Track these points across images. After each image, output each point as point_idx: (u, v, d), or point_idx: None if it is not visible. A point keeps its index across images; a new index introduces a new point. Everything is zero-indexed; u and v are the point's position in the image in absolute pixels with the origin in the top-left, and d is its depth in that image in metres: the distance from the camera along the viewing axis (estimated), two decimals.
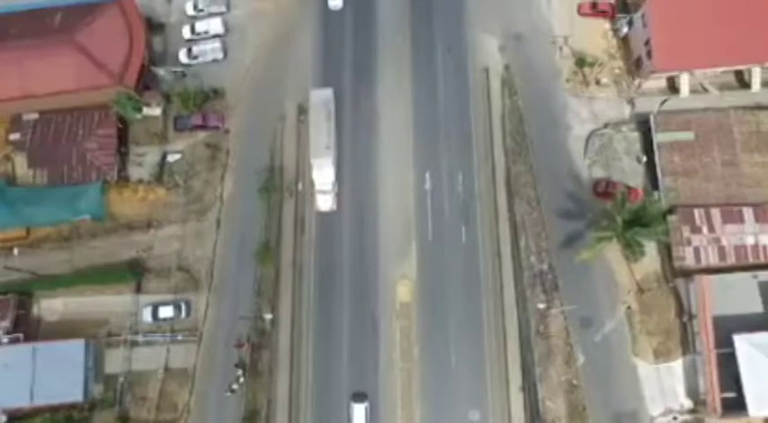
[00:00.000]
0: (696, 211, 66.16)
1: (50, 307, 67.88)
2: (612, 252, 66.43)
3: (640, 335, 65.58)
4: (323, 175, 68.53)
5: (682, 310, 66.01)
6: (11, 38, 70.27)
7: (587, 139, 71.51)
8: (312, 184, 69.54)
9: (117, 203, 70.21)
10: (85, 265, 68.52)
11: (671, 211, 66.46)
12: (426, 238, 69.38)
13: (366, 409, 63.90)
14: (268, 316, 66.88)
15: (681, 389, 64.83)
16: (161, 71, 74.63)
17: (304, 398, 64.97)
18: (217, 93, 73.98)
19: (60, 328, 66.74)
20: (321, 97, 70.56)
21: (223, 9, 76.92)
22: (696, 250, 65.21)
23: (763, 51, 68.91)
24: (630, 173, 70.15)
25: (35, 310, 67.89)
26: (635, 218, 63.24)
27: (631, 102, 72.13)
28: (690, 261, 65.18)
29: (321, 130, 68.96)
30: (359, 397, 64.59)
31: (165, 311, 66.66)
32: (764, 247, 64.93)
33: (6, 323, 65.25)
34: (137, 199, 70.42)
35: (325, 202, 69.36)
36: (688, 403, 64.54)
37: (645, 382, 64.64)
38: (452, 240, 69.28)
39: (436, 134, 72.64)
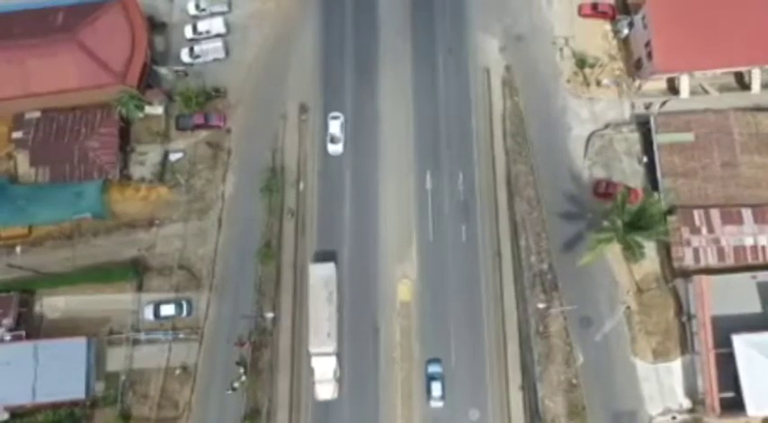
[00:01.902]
0: (695, 212, 66.46)
1: (52, 305, 67.97)
2: (612, 252, 66.75)
3: (639, 335, 65.90)
4: (323, 364, 64.30)
5: (681, 311, 66.33)
6: (13, 37, 70.11)
7: (588, 140, 71.83)
8: (312, 371, 64.81)
9: (119, 202, 70.36)
10: (87, 264, 68.60)
11: (671, 211, 66.75)
12: (427, 238, 69.63)
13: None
14: (269, 315, 67.06)
15: (679, 388, 65.15)
16: (163, 70, 74.83)
17: (305, 396, 65.13)
18: (218, 92, 74.20)
19: (62, 326, 66.83)
20: (321, 275, 65.71)
21: (225, 9, 77.07)
22: (695, 251, 65.53)
23: (763, 53, 69.18)
24: (630, 174, 70.47)
25: (37, 307, 67.98)
26: (635, 219, 63.57)
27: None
28: (689, 261, 65.49)
29: (321, 316, 64.53)
30: None
31: (167, 310, 66.79)
32: (763, 248, 65.25)
33: (9, 321, 65.31)
34: (138, 197, 70.61)
35: (325, 392, 64.54)
36: (687, 403, 64.85)
37: (644, 382, 64.95)
38: (453, 240, 69.54)
39: (437, 134, 72.92)
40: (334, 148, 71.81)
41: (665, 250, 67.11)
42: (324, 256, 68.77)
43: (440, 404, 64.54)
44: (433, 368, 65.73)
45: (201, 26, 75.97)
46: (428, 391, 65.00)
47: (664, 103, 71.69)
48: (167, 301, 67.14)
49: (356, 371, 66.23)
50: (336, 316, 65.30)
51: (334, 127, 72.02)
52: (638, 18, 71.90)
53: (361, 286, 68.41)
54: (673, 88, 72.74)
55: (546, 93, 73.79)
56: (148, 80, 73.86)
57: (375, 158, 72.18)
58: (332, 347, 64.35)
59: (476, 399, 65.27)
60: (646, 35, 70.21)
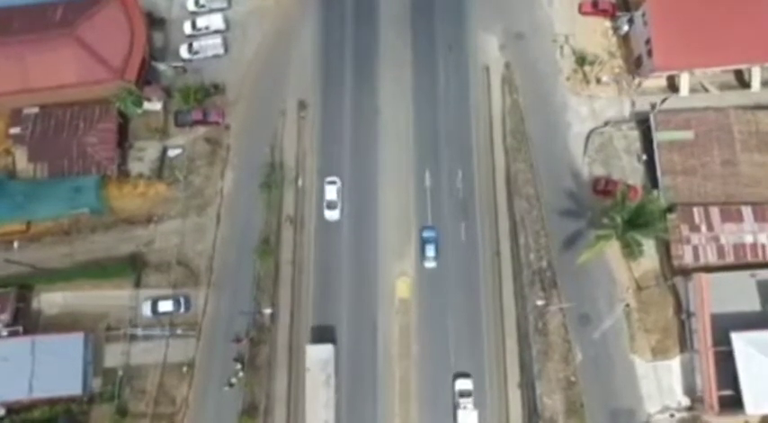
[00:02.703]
0: (695, 210, 66.38)
1: (50, 300, 67.83)
2: (611, 250, 66.59)
3: (638, 332, 65.82)
4: None
5: (680, 308, 66.21)
6: (12, 32, 70.10)
7: (587, 138, 71.75)
8: None
9: (117, 198, 70.29)
10: (85, 259, 68.48)
11: (670, 209, 66.64)
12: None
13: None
14: (267, 311, 66.95)
15: (678, 386, 65.07)
16: (162, 66, 74.70)
17: (302, 393, 64.77)
18: (217, 88, 74.11)
19: (60, 322, 66.74)
20: (319, 357, 62.79)
21: (224, 5, 76.98)
22: (695, 249, 65.47)
23: (763, 51, 69.12)
24: (630, 171, 70.42)
25: (35, 303, 67.85)
26: (634, 216, 63.46)
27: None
28: (688, 259, 65.43)
29: (318, 401, 61.34)
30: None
31: (165, 306, 66.64)
32: (763, 246, 65.27)
33: (6, 316, 65.13)
34: (137, 194, 70.52)
35: None
36: (685, 401, 64.78)
37: (642, 380, 64.90)
38: (452, 237, 69.36)
39: (436, 132, 72.76)
40: (331, 214, 69.17)
41: (665, 248, 67.03)
42: (322, 254, 68.54)
43: (433, 264, 67.42)
44: (428, 233, 68.60)
45: (201, 22, 75.85)
46: (422, 252, 68.06)
47: (663, 101, 71.52)
48: (165, 298, 66.94)
49: (354, 368, 65.96)
50: (335, 399, 62.64)
51: (331, 193, 69.42)
52: (637, 15, 71.81)
53: (360, 283, 68.20)
54: (673, 86, 72.61)
55: (546, 90, 73.72)
56: (147, 76, 73.76)
57: (375, 156, 71.94)
58: None
59: (474, 396, 64.88)
60: (646, 33, 70.11)
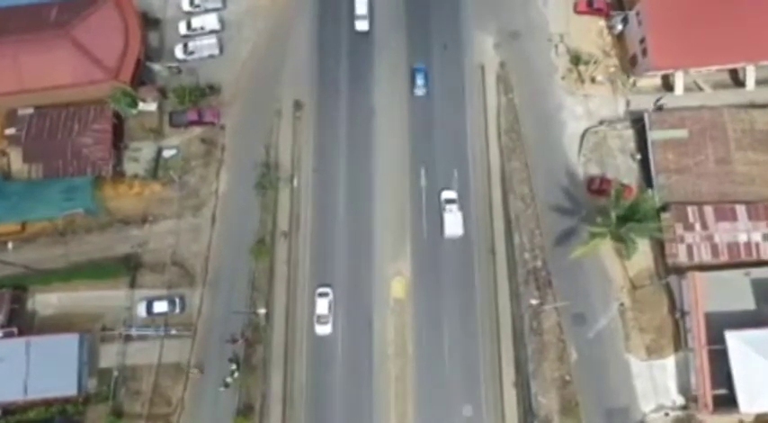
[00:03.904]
0: (689, 209, 66.46)
1: (45, 301, 67.84)
2: (606, 249, 66.72)
3: (633, 331, 65.89)
4: None
5: (674, 307, 66.27)
6: (7, 32, 70.05)
7: (582, 137, 71.80)
8: None
9: (112, 198, 70.33)
10: (81, 260, 68.46)
11: (664, 208, 66.73)
12: (421, 235, 69.52)
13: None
14: (262, 311, 66.97)
15: (673, 385, 65.14)
16: (157, 67, 74.68)
17: (298, 392, 65.01)
18: (213, 88, 74.13)
19: (55, 323, 66.72)
20: None
21: (219, 5, 76.97)
22: (689, 247, 65.56)
23: (758, 50, 69.26)
24: (625, 170, 70.48)
25: (30, 304, 67.89)
26: (628, 215, 63.52)
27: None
28: (683, 258, 65.52)
29: None
30: None
31: (160, 306, 66.64)
32: (757, 245, 65.36)
33: (1, 317, 65.23)
34: (132, 194, 70.53)
35: None
36: (680, 399, 64.85)
37: (637, 379, 64.94)
38: (447, 237, 69.35)
39: (432, 131, 72.67)
40: (322, 329, 66.22)
41: (659, 247, 67.10)
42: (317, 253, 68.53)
43: (422, 91, 72.18)
44: (419, 65, 72.74)
45: (195, 22, 75.87)
46: (413, 82, 72.69)
47: (658, 100, 71.58)
48: (160, 298, 66.96)
49: (349, 366, 66.04)
50: None
51: (322, 306, 66.44)
52: (632, 14, 71.88)
53: (356, 282, 68.20)
54: (667, 85, 72.65)
55: (541, 89, 73.79)
56: (142, 77, 73.78)
57: (369, 154, 72.01)
58: None
59: (469, 395, 65.19)
60: (640, 32, 70.19)
